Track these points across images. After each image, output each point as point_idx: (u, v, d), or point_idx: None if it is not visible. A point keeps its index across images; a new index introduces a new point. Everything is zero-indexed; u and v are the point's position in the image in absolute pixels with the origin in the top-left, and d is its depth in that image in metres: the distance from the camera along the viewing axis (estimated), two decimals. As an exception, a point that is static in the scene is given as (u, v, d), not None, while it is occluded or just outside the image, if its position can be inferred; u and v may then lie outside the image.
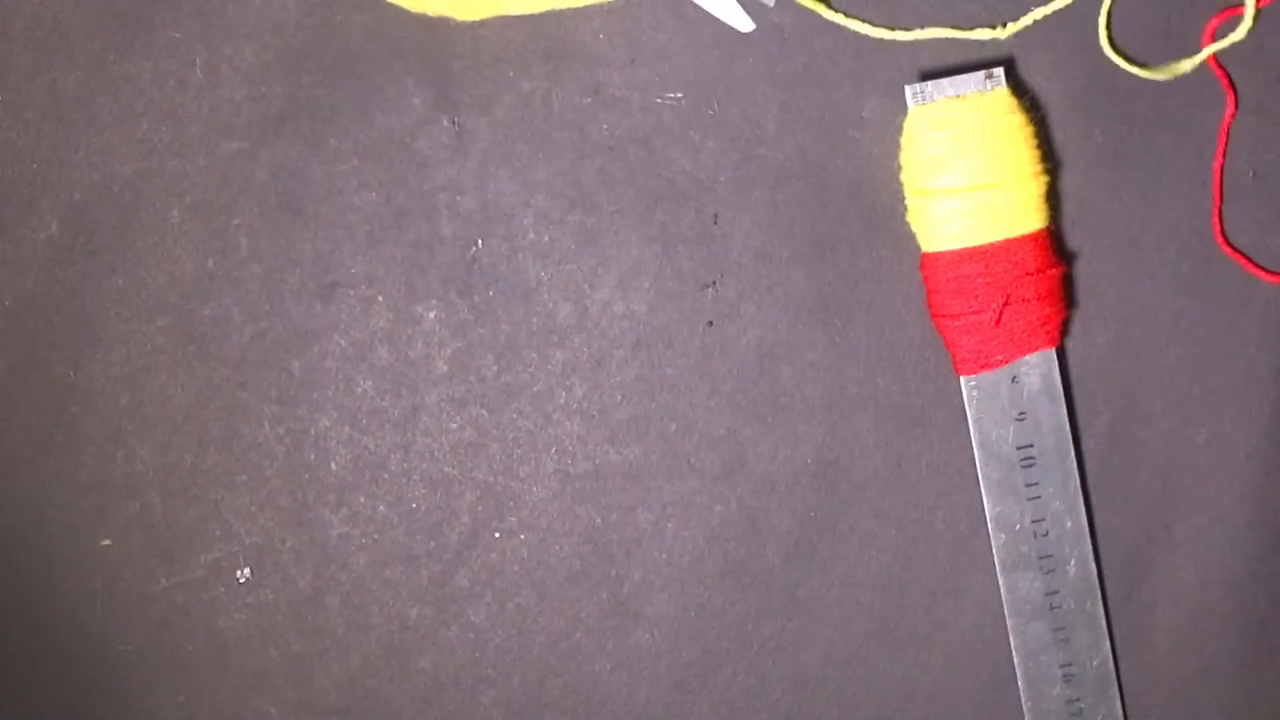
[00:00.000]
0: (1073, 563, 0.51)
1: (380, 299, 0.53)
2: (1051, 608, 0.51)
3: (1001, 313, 0.49)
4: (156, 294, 0.52)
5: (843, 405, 0.53)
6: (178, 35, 0.52)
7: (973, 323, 0.50)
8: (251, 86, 0.52)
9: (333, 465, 0.53)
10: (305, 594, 0.53)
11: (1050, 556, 0.51)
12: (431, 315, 0.53)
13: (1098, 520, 0.53)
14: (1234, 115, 0.52)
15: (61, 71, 0.52)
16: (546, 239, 0.53)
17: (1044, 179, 0.50)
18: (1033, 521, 0.51)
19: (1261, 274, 0.52)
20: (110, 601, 0.53)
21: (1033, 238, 0.49)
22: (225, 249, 0.52)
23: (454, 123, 0.53)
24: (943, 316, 0.50)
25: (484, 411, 0.53)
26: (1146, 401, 0.53)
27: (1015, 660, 0.52)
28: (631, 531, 0.53)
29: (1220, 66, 0.52)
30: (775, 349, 0.53)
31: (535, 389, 0.53)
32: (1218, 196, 0.52)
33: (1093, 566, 0.52)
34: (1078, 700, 0.51)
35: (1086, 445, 0.53)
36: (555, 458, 0.53)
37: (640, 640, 0.53)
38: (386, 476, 0.53)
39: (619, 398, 0.53)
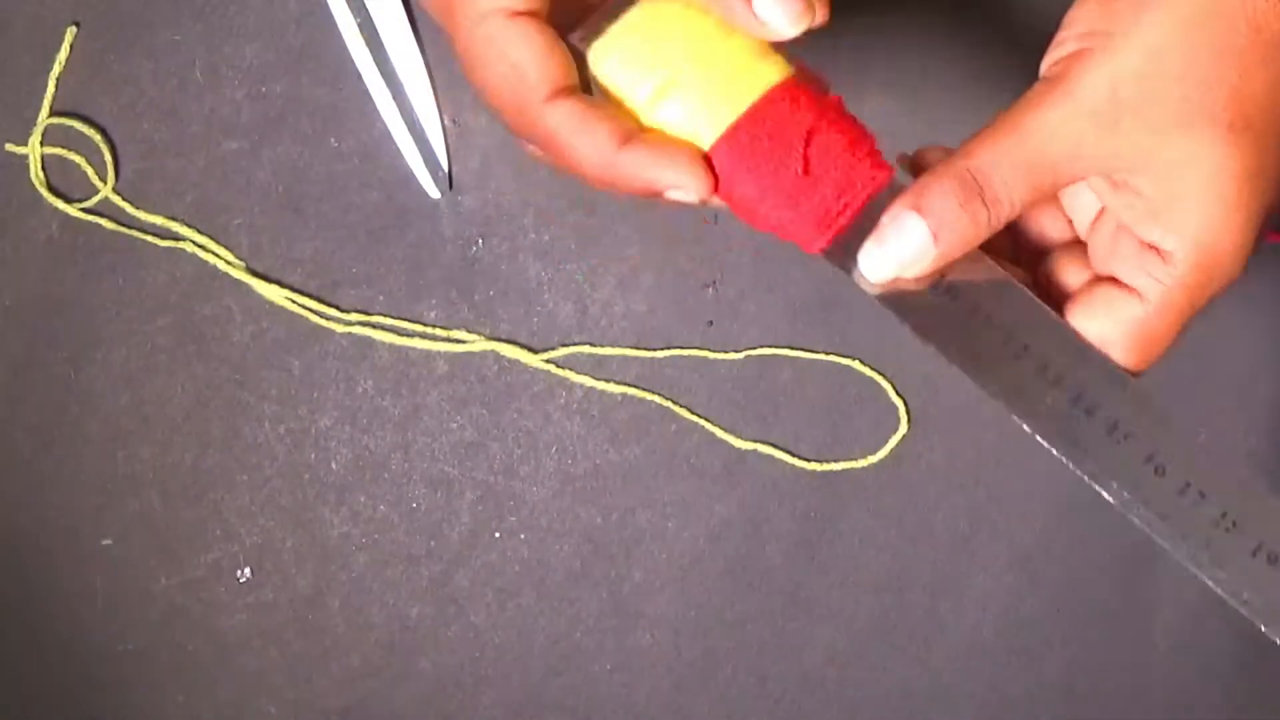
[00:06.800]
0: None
1: (380, 298, 0.53)
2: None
3: (806, 156, 0.39)
4: (156, 294, 0.52)
5: (843, 405, 0.53)
6: (177, 36, 0.52)
7: (781, 187, 0.40)
8: (251, 86, 0.52)
9: (333, 465, 0.53)
10: (305, 594, 0.53)
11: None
12: (431, 315, 0.53)
13: (1096, 521, 0.53)
14: None
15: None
16: (546, 239, 0.53)
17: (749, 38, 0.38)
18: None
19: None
20: (110, 601, 0.53)
21: (781, 87, 0.39)
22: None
23: (455, 122, 0.53)
24: (752, 211, 0.40)
25: (484, 411, 0.53)
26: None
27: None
28: (631, 531, 0.53)
29: None
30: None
31: (535, 389, 0.53)
32: None
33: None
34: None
35: (1086, 445, 0.53)
36: (555, 458, 0.53)
37: (640, 640, 0.53)
38: (386, 476, 0.53)
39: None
